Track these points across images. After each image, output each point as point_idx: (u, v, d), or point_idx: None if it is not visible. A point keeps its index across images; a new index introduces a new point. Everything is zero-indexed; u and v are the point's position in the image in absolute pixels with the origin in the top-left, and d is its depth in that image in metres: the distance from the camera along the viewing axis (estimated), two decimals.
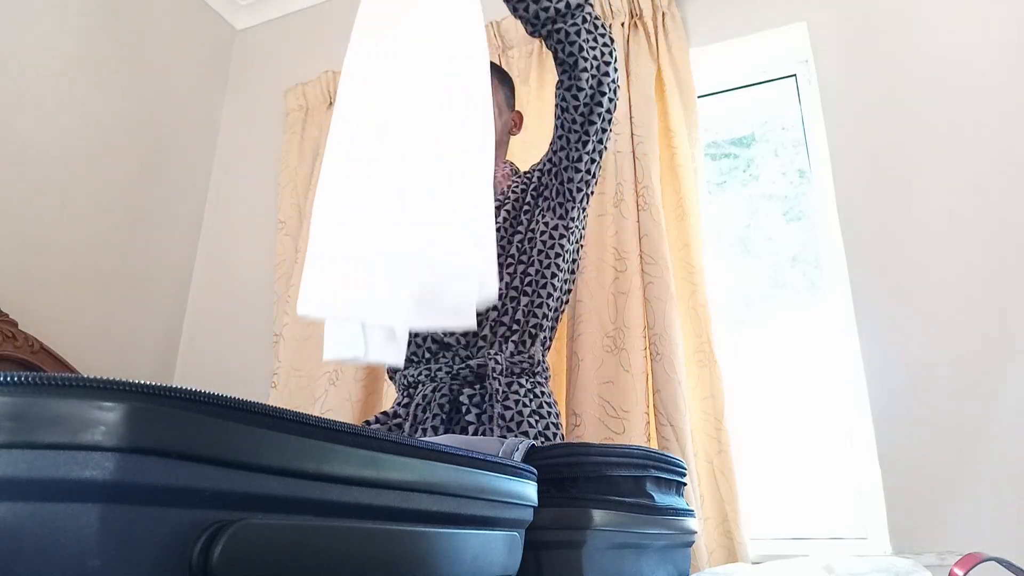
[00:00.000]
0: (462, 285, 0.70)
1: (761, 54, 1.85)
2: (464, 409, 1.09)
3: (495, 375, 1.10)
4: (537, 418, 1.09)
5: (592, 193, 1.24)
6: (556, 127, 1.17)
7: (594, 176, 1.20)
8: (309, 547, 0.33)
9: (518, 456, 0.64)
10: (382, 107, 0.73)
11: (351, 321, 0.68)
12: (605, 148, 1.19)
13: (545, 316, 1.17)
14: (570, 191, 1.19)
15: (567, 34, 1.07)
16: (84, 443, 0.26)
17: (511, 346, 1.13)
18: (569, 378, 1.56)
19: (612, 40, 1.12)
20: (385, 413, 1.16)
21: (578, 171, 1.18)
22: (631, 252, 1.60)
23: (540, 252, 1.18)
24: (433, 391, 1.11)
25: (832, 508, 1.55)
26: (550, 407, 1.13)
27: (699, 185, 1.67)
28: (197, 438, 0.29)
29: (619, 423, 1.48)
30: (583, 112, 1.12)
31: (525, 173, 1.28)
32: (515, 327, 1.14)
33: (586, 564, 0.61)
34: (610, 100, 1.13)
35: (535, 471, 0.57)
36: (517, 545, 0.52)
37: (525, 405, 1.09)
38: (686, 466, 0.87)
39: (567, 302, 1.27)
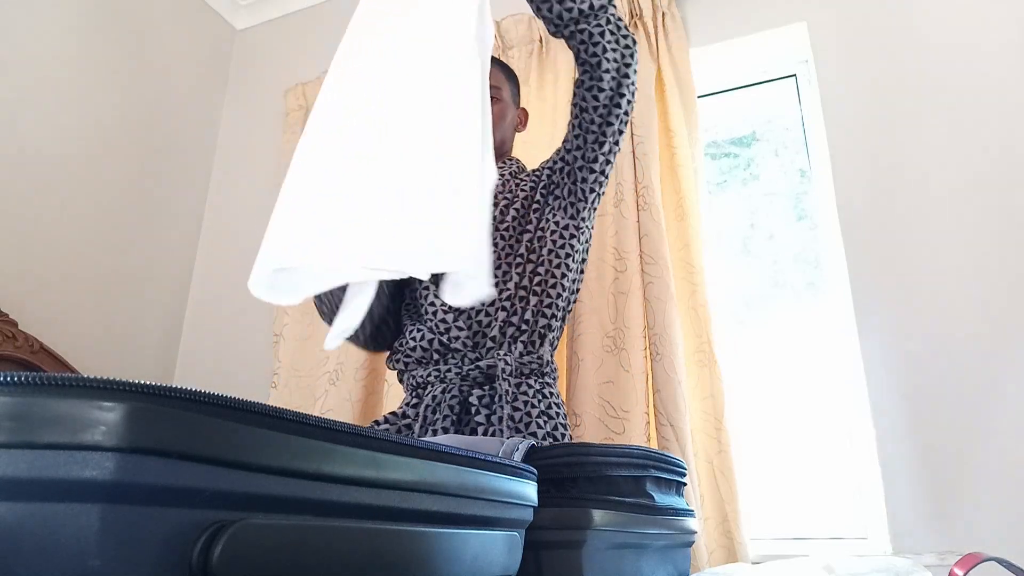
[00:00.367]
0: (434, 231, 0.63)
1: (761, 54, 1.85)
2: (474, 410, 1.09)
3: (504, 376, 1.09)
4: (546, 419, 1.09)
5: (603, 194, 1.25)
6: (572, 126, 1.17)
7: (607, 177, 1.21)
8: (309, 547, 0.33)
9: (518, 456, 0.64)
10: (364, 85, 0.72)
11: (309, 264, 0.65)
12: (619, 149, 1.19)
13: (554, 316, 1.16)
14: (583, 191, 1.19)
15: (591, 35, 1.07)
16: (84, 443, 0.26)
17: (520, 347, 1.13)
18: (569, 378, 1.56)
19: (635, 42, 1.12)
20: (394, 413, 1.16)
21: (592, 171, 1.18)
22: (631, 252, 1.60)
23: (550, 252, 1.18)
24: (443, 392, 1.11)
25: (832, 508, 1.55)
26: (558, 408, 1.13)
27: (699, 185, 1.67)
28: (197, 438, 0.29)
29: (619, 423, 1.48)
30: (602, 113, 1.12)
31: (533, 171, 1.28)
32: (524, 327, 1.14)
33: (586, 564, 0.61)
34: (628, 102, 1.13)
35: (535, 471, 0.57)
36: (517, 545, 0.52)
37: (534, 406, 1.09)
38: (686, 466, 0.86)
39: (575, 302, 1.27)
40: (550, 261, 1.17)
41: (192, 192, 2.36)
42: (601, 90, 1.10)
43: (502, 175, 1.27)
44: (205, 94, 2.46)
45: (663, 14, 1.82)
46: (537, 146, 1.75)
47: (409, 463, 0.40)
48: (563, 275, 1.18)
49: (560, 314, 1.18)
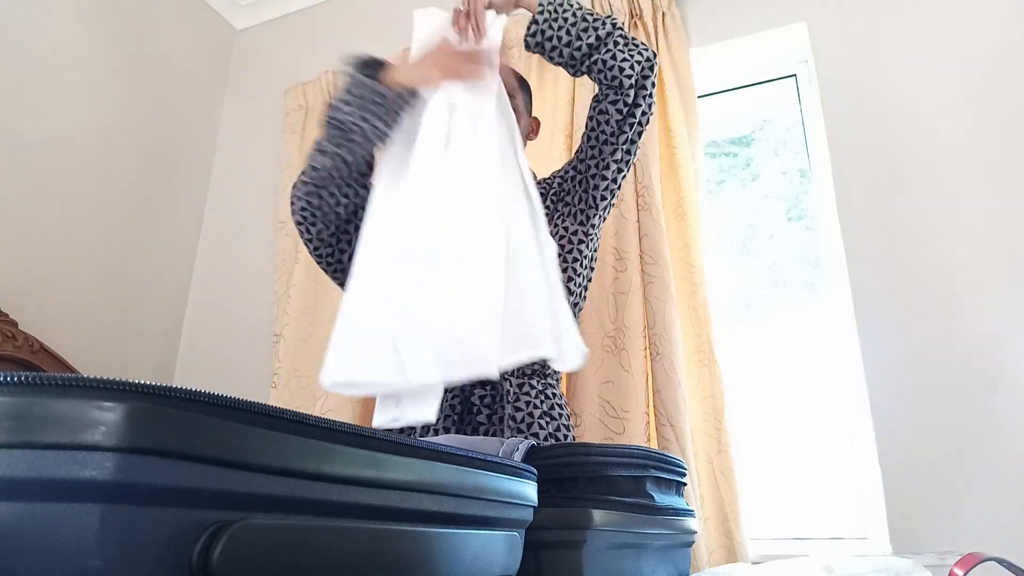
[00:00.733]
0: (476, 342, 0.84)
1: (761, 54, 1.85)
2: (475, 410, 1.09)
3: (507, 376, 1.10)
4: (548, 420, 1.09)
5: (614, 204, 1.25)
6: (588, 136, 1.18)
7: (618, 187, 1.21)
8: (309, 547, 0.33)
9: (518, 456, 0.64)
10: (408, 212, 0.94)
11: (377, 389, 0.84)
12: (632, 160, 1.19)
13: None
14: (594, 198, 1.20)
15: (604, 63, 1.10)
16: (84, 443, 0.26)
17: None
18: (569, 378, 1.56)
19: (654, 55, 1.12)
20: None
21: (604, 179, 1.18)
22: (631, 252, 1.60)
23: (558, 256, 1.18)
24: (445, 392, 1.11)
25: (832, 508, 1.55)
26: (561, 409, 1.13)
27: (699, 185, 1.67)
28: (197, 438, 0.29)
29: (619, 423, 1.48)
30: (618, 120, 1.13)
31: (544, 180, 1.29)
32: None
33: (586, 564, 0.61)
34: (643, 113, 1.14)
35: (535, 471, 0.57)
36: (517, 545, 0.52)
37: (536, 407, 1.09)
38: (686, 466, 0.86)
39: (582, 308, 1.27)
40: (558, 265, 1.17)
41: (192, 192, 2.36)
42: (616, 101, 1.12)
43: None
44: (205, 94, 2.46)
45: (663, 14, 1.82)
46: (536, 145, 1.74)
47: (409, 463, 0.40)
48: (570, 279, 1.18)
49: None
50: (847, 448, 1.55)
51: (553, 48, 1.12)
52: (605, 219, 1.26)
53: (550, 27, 1.11)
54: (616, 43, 1.10)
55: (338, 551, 0.35)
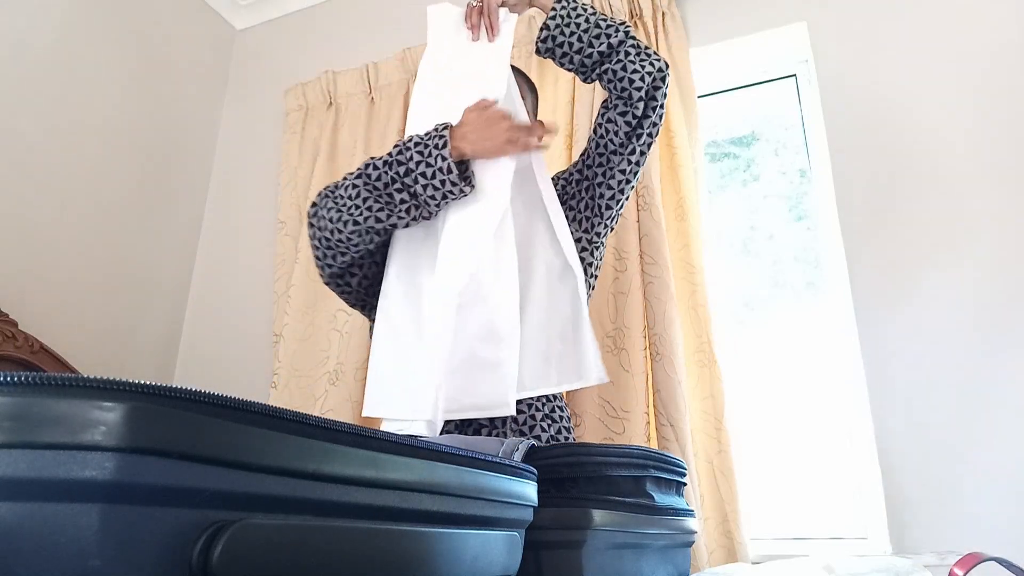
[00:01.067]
0: (492, 386, 0.95)
1: (761, 54, 1.85)
2: None
3: None
4: (549, 422, 1.09)
5: (620, 214, 1.24)
6: (595, 142, 1.17)
7: (626, 197, 1.20)
8: (309, 547, 0.33)
9: (518, 456, 0.64)
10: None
11: (408, 417, 0.99)
12: (640, 171, 1.18)
13: None
14: (599, 207, 1.18)
15: (615, 72, 1.09)
16: (84, 443, 0.26)
17: None
18: None
19: (667, 66, 1.11)
20: None
21: (610, 188, 1.17)
22: (631, 252, 1.60)
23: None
24: None
25: (832, 508, 1.55)
26: (562, 411, 1.13)
27: (699, 185, 1.67)
28: (197, 438, 0.29)
29: (619, 423, 1.48)
30: (627, 133, 1.12)
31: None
32: None
33: (586, 564, 0.61)
34: (653, 124, 1.13)
35: (535, 471, 0.57)
36: (517, 545, 0.52)
37: (538, 410, 1.09)
38: (686, 466, 0.87)
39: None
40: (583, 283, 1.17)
41: (192, 192, 2.36)
42: (623, 114, 1.11)
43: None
44: (205, 94, 2.46)
45: (663, 14, 1.82)
46: None
47: (409, 463, 0.40)
48: None
49: None
50: (847, 448, 1.55)
51: (564, 55, 1.11)
52: (612, 229, 1.25)
53: (561, 33, 1.09)
54: (627, 53, 1.09)
55: (338, 551, 0.35)
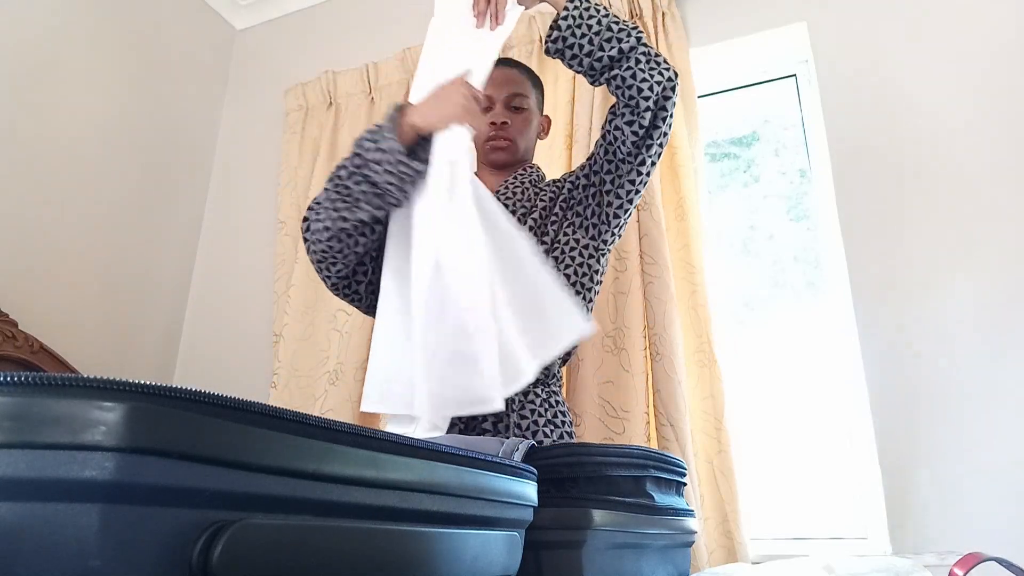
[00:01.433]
0: (470, 379, 0.94)
1: (761, 54, 1.85)
2: (480, 417, 1.09)
3: None
4: (552, 427, 1.10)
5: (627, 222, 1.22)
6: (604, 148, 1.15)
7: (633, 205, 1.19)
8: (309, 547, 0.33)
9: (518, 456, 0.64)
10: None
11: (402, 412, 0.98)
12: (648, 179, 1.17)
13: None
14: (607, 214, 1.17)
15: (623, 79, 1.07)
16: (84, 443, 0.26)
17: None
18: (569, 378, 1.56)
19: (676, 75, 1.09)
20: None
21: (619, 197, 1.16)
22: (631, 252, 1.60)
23: (568, 267, 1.17)
24: None
25: (832, 508, 1.55)
26: (564, 416, 1.14)
27: (699, 185, 1.67)
28: (197, 438, 0.29)
29: (619, 423, 1.48)
30: (634, 143, 1.10)
31: (554, 182, 1.26)
32: None
33: (586, 564, 0.61)
34: (663, 134, 1.11)
35: (535, 471, 0.57)
36: (517, 545, 0.52)
37: (540, 415, 1.09)
38: (686, 466, 0.87)
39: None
40: (568, 276, 1.16)
41: (192, 192, 2.36)
42: (632, 122, 1.09)
43: (522, 183, 1.25)
44: (205, 94, 2.46)
45: (663, 14, 1.82)
46: (538, 146, 1.74)
47: (409, 463, 0.40)
48: (578, 294, 1.17)
49: None
50: (847, 448, 1.55)
51: (573, 56, 1.09)
52: (620, 236, 1.24)
53: (572, 34, 1.07)
54: (638, 60, 1.06)
55: (338, 551, 0.35)
